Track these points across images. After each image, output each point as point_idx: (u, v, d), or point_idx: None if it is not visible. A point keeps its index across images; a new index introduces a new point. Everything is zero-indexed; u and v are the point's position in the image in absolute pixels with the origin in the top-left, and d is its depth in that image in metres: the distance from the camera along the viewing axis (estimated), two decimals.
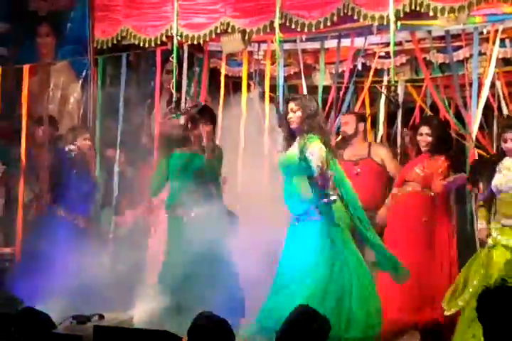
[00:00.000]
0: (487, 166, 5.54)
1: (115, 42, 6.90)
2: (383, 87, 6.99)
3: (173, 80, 6.51)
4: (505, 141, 5.38)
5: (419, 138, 5.95)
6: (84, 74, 7.20)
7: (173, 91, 6.39)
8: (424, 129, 5.94)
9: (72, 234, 6.11)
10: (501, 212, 5.36)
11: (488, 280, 5.03)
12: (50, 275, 5.83)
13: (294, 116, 5.19)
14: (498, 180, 5.36)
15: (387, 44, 6.03)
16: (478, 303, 2.70)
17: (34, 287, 5.72)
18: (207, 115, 5.91)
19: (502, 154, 5.46)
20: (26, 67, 7.03)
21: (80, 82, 7.33)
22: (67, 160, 6.28)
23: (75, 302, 5.26)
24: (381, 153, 6.44)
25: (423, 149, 5.97)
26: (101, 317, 4.78)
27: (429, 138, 5.90)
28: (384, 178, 6.40)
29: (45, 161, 6.88)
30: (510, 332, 2.56)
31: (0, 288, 6.22)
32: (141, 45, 6.78)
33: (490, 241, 5.35)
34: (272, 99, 6.61)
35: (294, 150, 5.15)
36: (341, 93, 6.86)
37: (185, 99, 7.04)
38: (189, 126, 5.92)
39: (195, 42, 6.64)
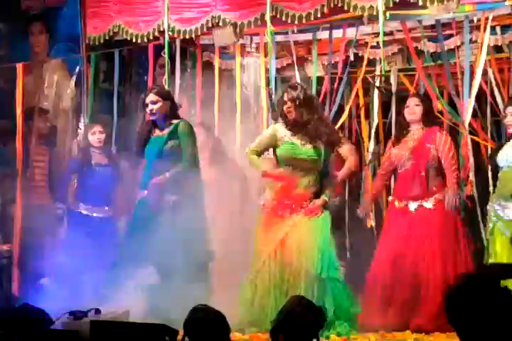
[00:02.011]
0: None
1: (107, 38, 6.91)
2: (375, 77, 6.97)
3: (166, 75, 6.54)
4: (506, 116, 5.42)
5: (406, 109, 5.91)
6: (77, 71, 7.20)
7: (166, 86, 6.40)
8: (414, 100, 5.90)
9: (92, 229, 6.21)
10: (499, 191, 5.40)
11: None
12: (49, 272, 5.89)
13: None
14: (500, 154, 5.47)
15: (379, 34, 6.03)
16: (447, 304, 2.55)
17: (32, 283, 5.76)
18: (154, 93, 5.67)
19: None
20: (20, 66, 7.05)
21: (74, 78, 7.32)
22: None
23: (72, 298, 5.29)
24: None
25: (409, 119, 5.89)
26: (97, 311, 4.78)
27: (418, 109, 5.86)
28: None
29: (41, 156, 6.95)
30: (484, 329, 2.46)
31: None
32: (134, 40, 6.79)
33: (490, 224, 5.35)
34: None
35: None
36: (335, 84, 6.87)
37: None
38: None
39: (187, 37, 6.66)
